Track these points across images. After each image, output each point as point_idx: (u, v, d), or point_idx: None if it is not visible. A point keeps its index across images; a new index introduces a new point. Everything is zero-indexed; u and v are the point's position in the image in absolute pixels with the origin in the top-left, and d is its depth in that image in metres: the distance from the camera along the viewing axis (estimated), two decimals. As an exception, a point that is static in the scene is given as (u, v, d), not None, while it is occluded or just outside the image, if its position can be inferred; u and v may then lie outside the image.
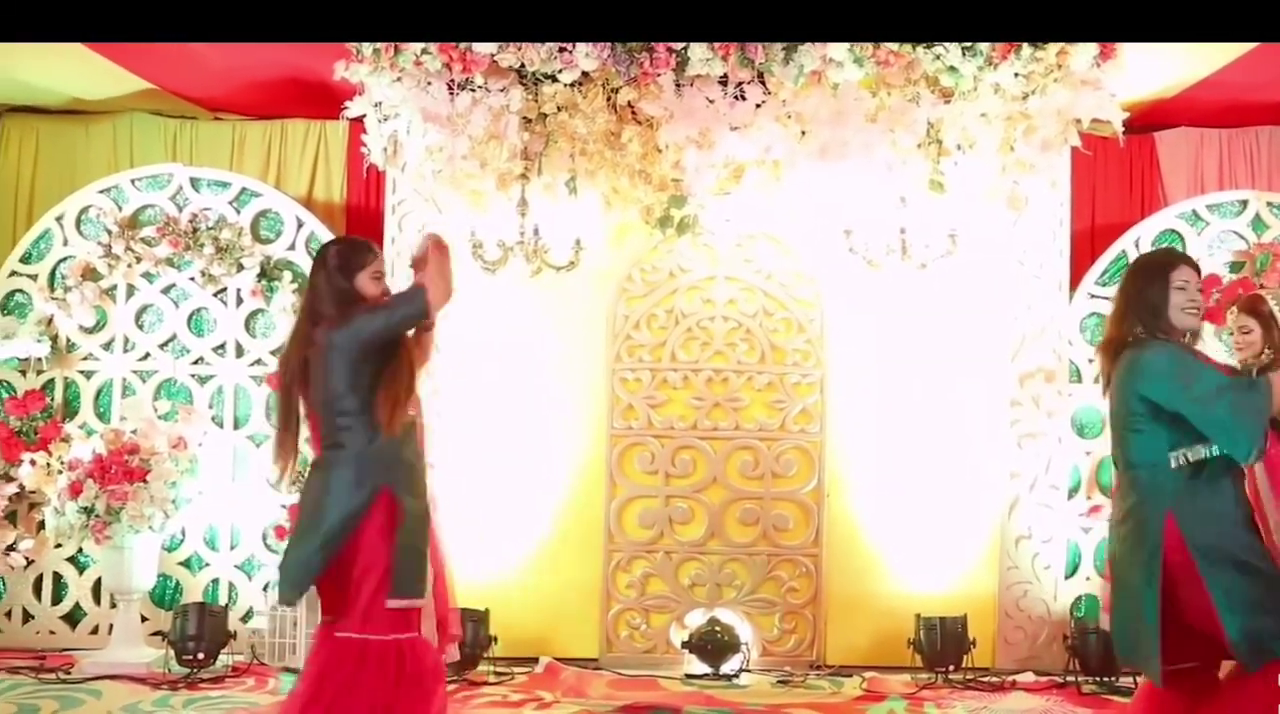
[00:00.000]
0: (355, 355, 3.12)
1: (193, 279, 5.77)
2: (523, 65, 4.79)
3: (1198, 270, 3.24)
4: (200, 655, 5.10)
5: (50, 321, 5.74)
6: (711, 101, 4.87)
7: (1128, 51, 4.76)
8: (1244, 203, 5.73)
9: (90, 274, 5.76)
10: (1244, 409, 2.98)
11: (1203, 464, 3.04)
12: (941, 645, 5.22)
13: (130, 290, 5.79)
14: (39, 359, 5.72)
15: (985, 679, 5.21)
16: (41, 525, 5.54)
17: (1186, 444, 3.05)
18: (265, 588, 5.57)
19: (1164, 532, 3.01)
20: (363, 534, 3.10)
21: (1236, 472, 3.08)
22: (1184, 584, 2.99)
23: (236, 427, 5.74)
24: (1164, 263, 3.23)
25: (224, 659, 5.22)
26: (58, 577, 5.73)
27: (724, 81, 4.85)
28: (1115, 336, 3.23)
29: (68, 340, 5.78)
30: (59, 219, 5.83)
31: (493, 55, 4.75)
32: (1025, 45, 4.65)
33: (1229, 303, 5.24)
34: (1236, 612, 2.93)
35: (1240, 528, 3.05)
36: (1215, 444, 3.01)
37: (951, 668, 5.22)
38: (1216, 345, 5.55)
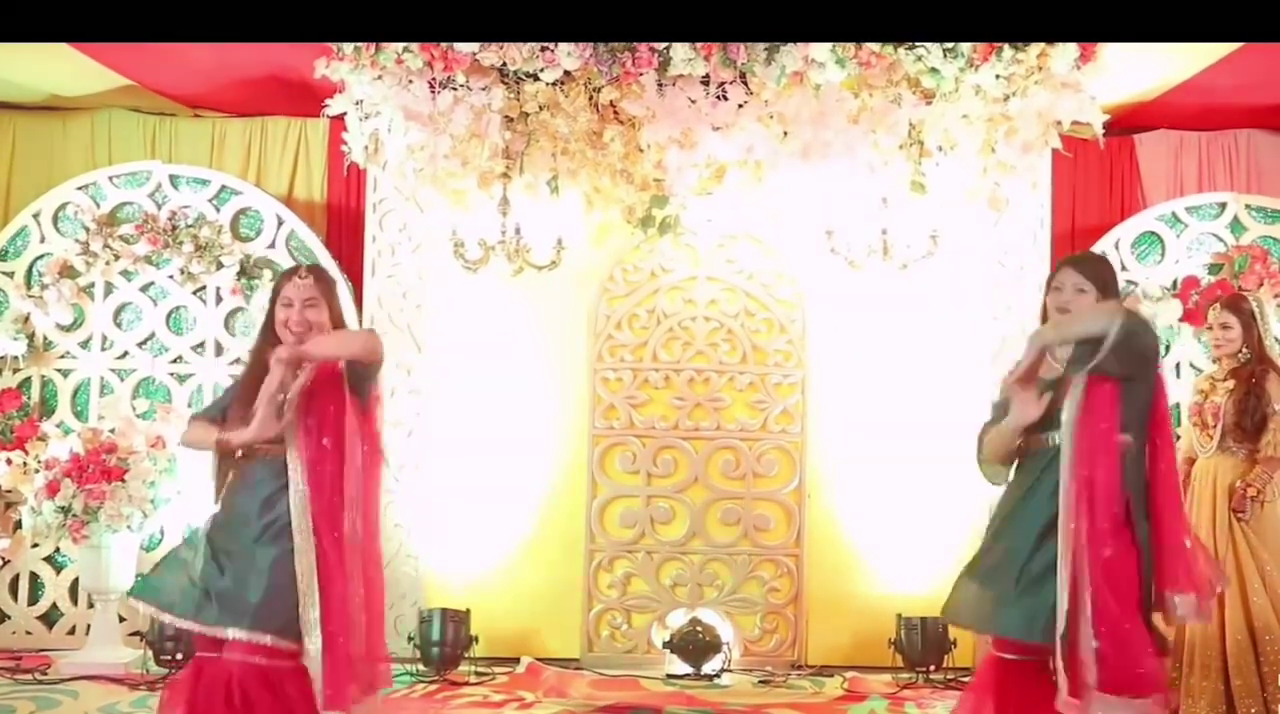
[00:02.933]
0: None
1: (172, 277, 5.73)
2: (505, 64, 4.77)
3: (1086, 270, 3.21)
4: (178, 656, 5.05)
5: (27, 319, 5.70)
6: (694, 101, 4.86)
7: (1108, 54, 4.78)
8: (1223, 205, 5.76)
9: (68, 271, 5.72)
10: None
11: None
12: (922, 645, 5.23)
13: (108, 288, 5.76)
14: (15, 357, 5.68)
15: (966, 679, 5.21)
16: (18, 525, 5.49)
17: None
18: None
19: None
20: None
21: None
22: None
23: (216, 426, 5.69)
24: (1054, 268, 3.33)
25: (202, 660, 5.18)
26: (34, 577, 5.68)
27: (706, 81, 4.84)
28: None
29: (45, 338, 5.74)
30: (36, 216, 5.79)
31: (474, 54, 4.73)
32: (1006, 47, 4.66)
33: (1208, 304, 5.27)
34: None
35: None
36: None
37: (932, 668, 5.23)
38: (1195, 346, 5.59)
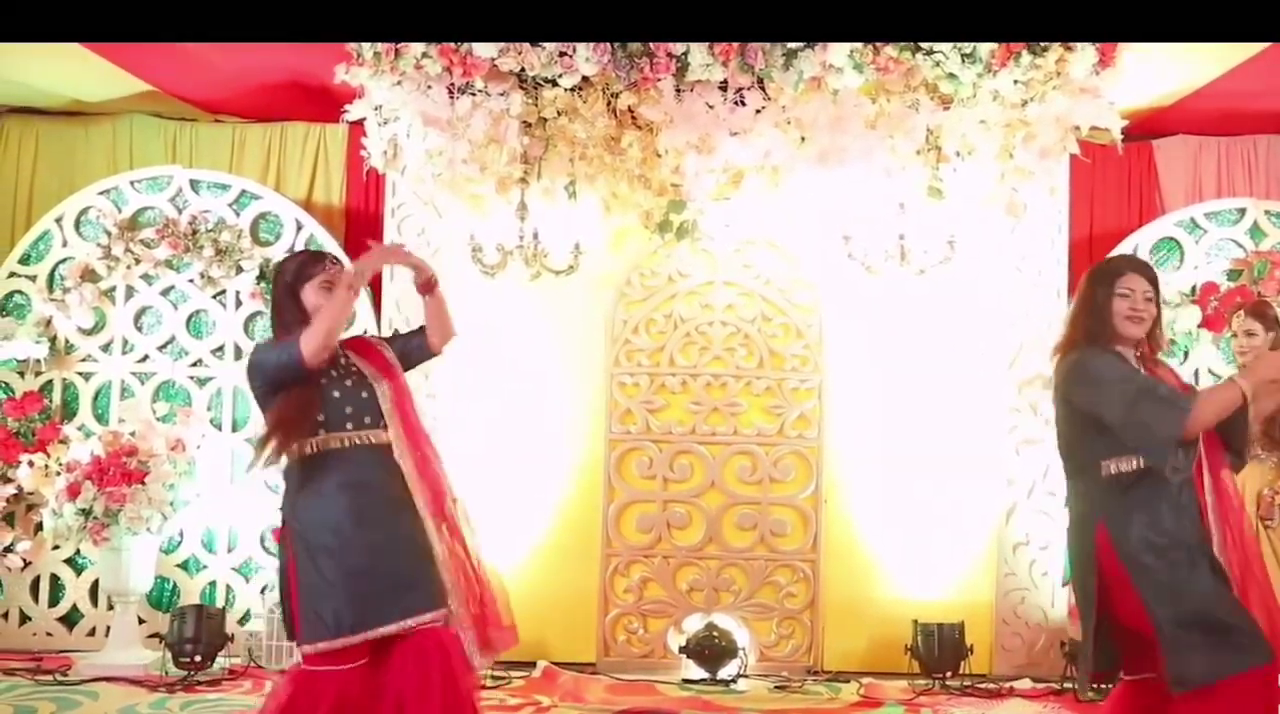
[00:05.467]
0: (257, 384, 3.13)
1: (192, 281, 5.77)
2: (523, 69, 4.79)
3: (1152, 280, 3.12)
4: (197, 658, 5.09)
5: (49, 323, 5.74)
6: (711, 107, 4.88)
7: (1127, 59, 4.77)
8: (1242, 211, 5.74)
9: (89, 275, 5.76)
10: (1159, 417, 2.89)
11: (1138, 475, 2.94)
12: (939, 651, 5.22)
13: (129, 292, 5.80)
14: (37, 360, 5.72)
15: (982, 686, 5.21)
16: (39, 527, 5.54)
17: (1117, 453, 2.97)
18: (263, 590, 5.57)
19: (1096, 544, 2.97)
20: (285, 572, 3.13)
21: (1183, 485, 2.94)
22: (1121, 597, 2.95)
23: (235, 429, 5.74)
24: (1112, 269, 3.17)
25: (221, 662, 5.21)
26: (55, 578, 5.72)
27: (724, 87, 4.85)
28: (1062, 342, 3.20)
29: (66, 342, 5.78)
30: (58, 220, 5.83)
31: (493, 59, 4.75)
32: (1024, 52, 4.66)
33: (1227, 310, 5.25)
34: (1167, 633, 2.86)
35: (1178, 546, 2.90)
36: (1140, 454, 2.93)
37: (949, 674, 5.22)
38: (1214, 352, 5.57)
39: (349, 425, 3.12)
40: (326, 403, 3.11)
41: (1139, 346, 3.13)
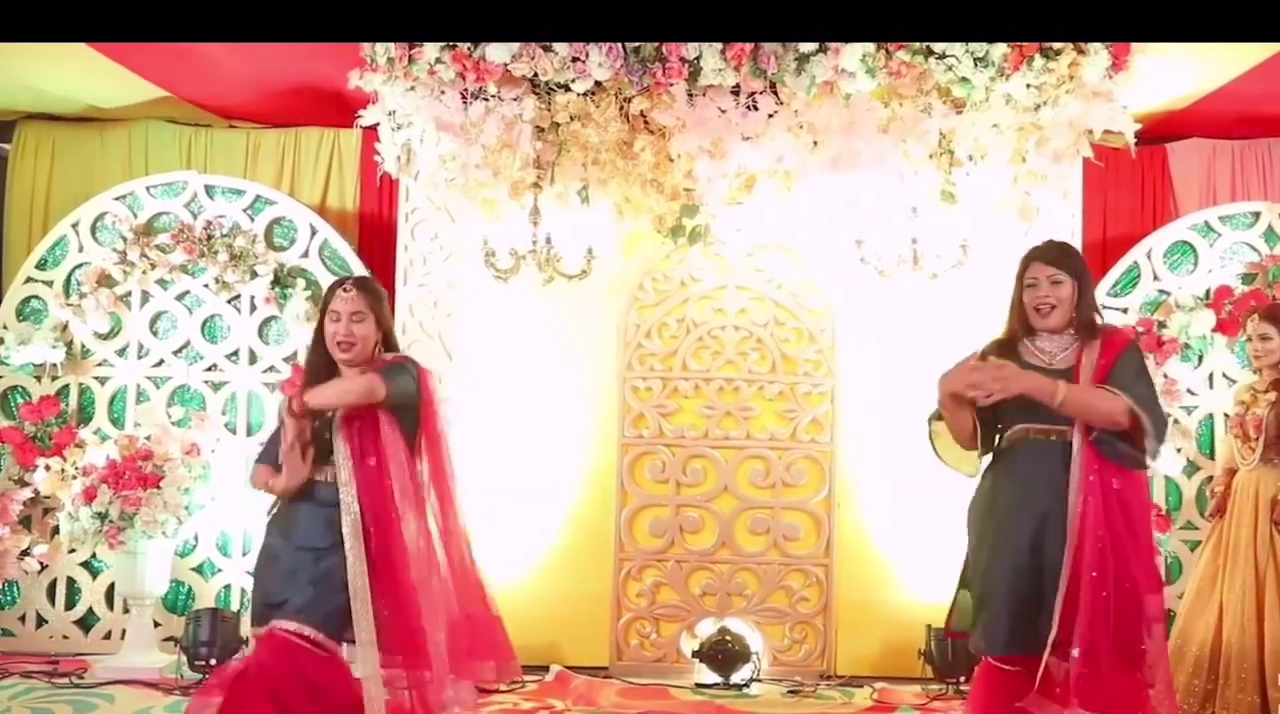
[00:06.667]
0: None
1: (207, 286, 5.80)
2: (536, 74, 4.81)
3: (1067, 266, 3.19)
4: (212, 661, 5.10)
5: (65, 328, 5.77)
6: (724, 111, 4.89)
7: (1140, 63, 4.76)
8: (1256, 214, 5.71)
9: (105, 281, 5.79)
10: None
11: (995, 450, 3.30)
12: (952, 657, 5.20)
13: (145, 297, 5.83)
14: (54, 365, 5.75)
15: (996, 690, 5.20)
16: (55, 530, 5.57)
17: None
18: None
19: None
20: None
21: (1037, 468, 3.16)
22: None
23: (249, 433, 5.76)
24: (1022, 262, 3.29)
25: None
26: (71, 582, 5.75)
27: (736, 91, 4.87)
28: None
29: (82, 346, 5.81)
30: (75, 226, 5.87)
31: (506, 64, 4.77)
32: (1037, 56, 4.66)
33: (1242, 314, 5.23)
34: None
35: (997, 516, 3.24)
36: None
37: (962, 679, 5.19)
38: (1229, 356, 5.55)
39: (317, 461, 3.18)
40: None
41: (1073, 326, 3.19)
